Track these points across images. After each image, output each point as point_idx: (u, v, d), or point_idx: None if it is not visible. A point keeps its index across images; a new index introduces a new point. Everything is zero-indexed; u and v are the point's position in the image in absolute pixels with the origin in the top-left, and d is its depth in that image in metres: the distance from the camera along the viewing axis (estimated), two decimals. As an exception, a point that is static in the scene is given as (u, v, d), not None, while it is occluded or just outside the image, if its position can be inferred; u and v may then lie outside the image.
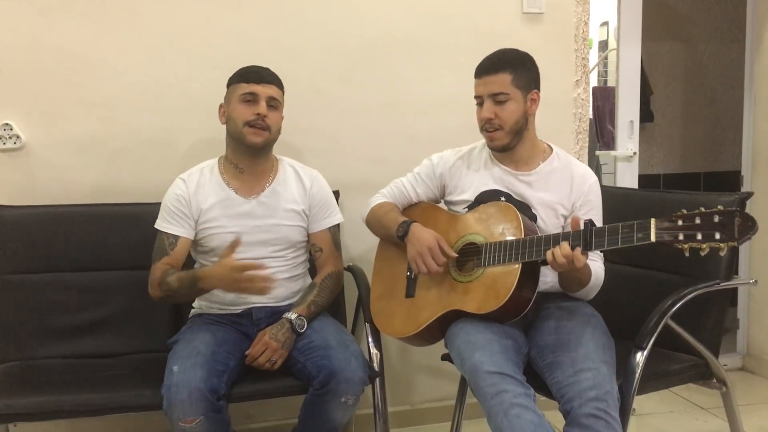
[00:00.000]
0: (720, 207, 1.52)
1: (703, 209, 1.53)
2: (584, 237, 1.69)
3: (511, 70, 1.91)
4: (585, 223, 1.71)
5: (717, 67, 4.48)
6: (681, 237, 1.54)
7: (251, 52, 2.37)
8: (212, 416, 1.80)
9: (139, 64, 2.41)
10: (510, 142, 1.96)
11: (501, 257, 1.85)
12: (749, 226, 1.48)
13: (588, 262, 1.79)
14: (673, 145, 4.56)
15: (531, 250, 1.79)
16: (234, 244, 1.94)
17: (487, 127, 1.94)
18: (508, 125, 1.93)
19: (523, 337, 1.91)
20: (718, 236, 1.50)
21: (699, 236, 1.52)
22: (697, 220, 1.53)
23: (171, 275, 2.00)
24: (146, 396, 1.87)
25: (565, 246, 1.70)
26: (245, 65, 2.13)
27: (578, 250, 1.69)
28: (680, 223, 1.55)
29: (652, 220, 1.58)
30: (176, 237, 2.08)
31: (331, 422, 1.97)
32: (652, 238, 1.57)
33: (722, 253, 1.52)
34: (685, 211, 1.55)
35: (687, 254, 1.53)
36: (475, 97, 1.98)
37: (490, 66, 1.94)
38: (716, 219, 1.51)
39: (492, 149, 2.01)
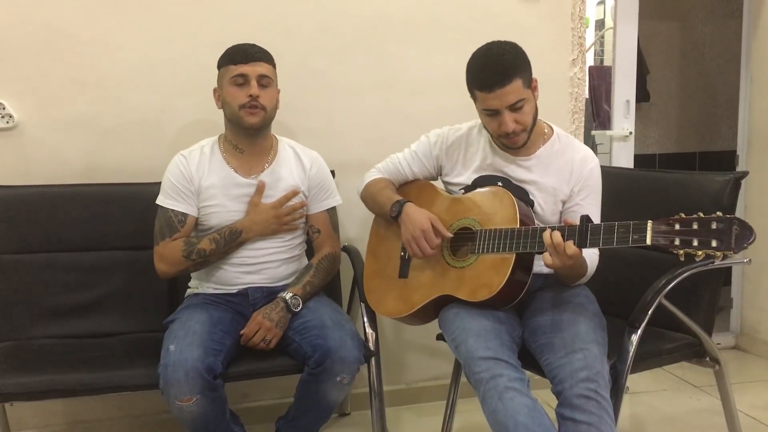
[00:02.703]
0: (719, 213, 1.50)
1: (701, 214, 1.52)
2: (579, 233, 1.67)
3: (519, 73, 1.81)
4: (581, 219, 1.69)
5: (713, 46, 4.47)
6: (677, 242, 1.52)
7: (245, 30, 2.35)
8: (209, 395, 1.81)
9: (132, 42, 2.39)
10: (528, 138, 1.91)
11: (495, 245, 1.83)
12: (747, 234, 1.46)
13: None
14: (669, 124, 4.56)
15: (526, 241, 1.77)
16: (261, 188, 2.08)
17: (511, 135, 1.87)
18: (529, 125, 1.88)
19: (517, 320, 1.92)
20: (714, 244, 1.48)
21: (695, 242, 1.50)
22: (695, 226, 1.51)
23: (198, 242, 2.04)
24: (143, 375, 1.88)
25: (557, 235, 1.67)
26: (238, 43, 2.11)
27: (570, 243, 1.66)
28: (677, 227, 1.53)
29: (649, 223, 1.57)
30: (185, 215, 2.07)
31: (327, 401, 1.99)
32: (648, 241, 1.55)
33: (718, 261, 1.51)
34: (683, 215, 1.53)
35: (682, 259, 1.52)
36: (486, 110, 1.86)
37: (499, 78, 1.79)
38: (714, 225, 1.49)
39: (511, 149, 1.95)
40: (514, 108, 1.83)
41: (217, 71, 2.13)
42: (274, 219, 2.09)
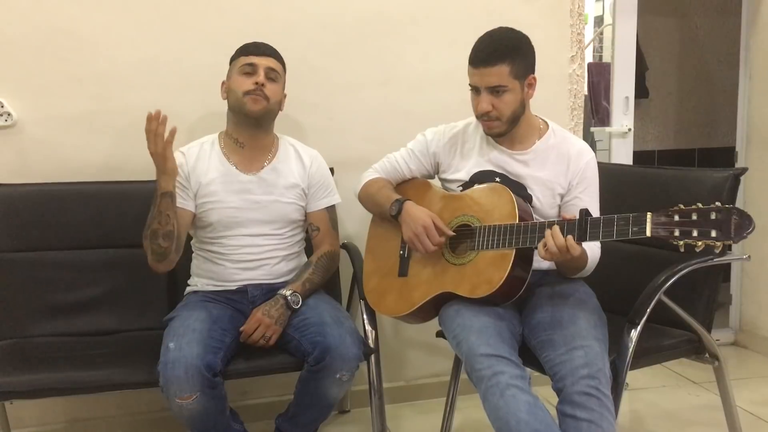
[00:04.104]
0: (717, 203, 1.51)
1: (700, 205, 1.52)
2: (579, 227, 1.68)
3: (509, 60, 1.84)
4: (580, 213, 1.69)
5: (712, 42, 4.47)
6: (677, 233, 1.53)
7: (244, 27, 2.35)
8: (208, 392, 1.81)
9: (131, 40, 2.39)
10: (507, 129, 1.93)
11: (495, 242, 1.84)
12: (746, 224, 1.47)
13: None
14: (668, 121, 4.56)
15: (525, 237, 1.78)
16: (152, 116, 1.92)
17: (485, 117, 1.91)
18: (506, 115, 1.89)
19: (517, 317, 1.92)
20: (714, 234, 1.49)
21: (695, 233, 1.51)
22: (694, 216, 1.52)
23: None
24: (142, 373, 1.88)
25: (558, 235, 1.69)
26: (238, 41, 2.13)
27: (571, 238, 1.67)
28: (676, 218, 1.53)
29: (648, 215, 1.57)
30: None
31: (326, 398, 1.99)
32: (648, 233, 1.56)
33: (717, 251, 1.51)
34: (682, 206, 1.54)
35: (682, 250, 1.53)
36: (471, 85, 1.92)
37: (487, 57, 1.84)
38: (713, 216, 1.50)
39: (489, 135, 1.97)
40: (494, 91, 1.86)
41: (217, 68, 2.14)
42: (160, 161, 1.93)
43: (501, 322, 1.81)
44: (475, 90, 1.90)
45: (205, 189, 2.09)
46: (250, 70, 2.06)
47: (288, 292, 2.04)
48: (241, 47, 2.12)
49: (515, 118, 1.92)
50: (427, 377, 2.81)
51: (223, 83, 2.15)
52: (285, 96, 2.17)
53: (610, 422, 1.64)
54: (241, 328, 1.98)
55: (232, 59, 2.13)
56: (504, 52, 1.84)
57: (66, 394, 2.02)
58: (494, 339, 1.73)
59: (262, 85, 2.05)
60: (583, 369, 1.65)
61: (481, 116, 1.92)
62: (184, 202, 2.08)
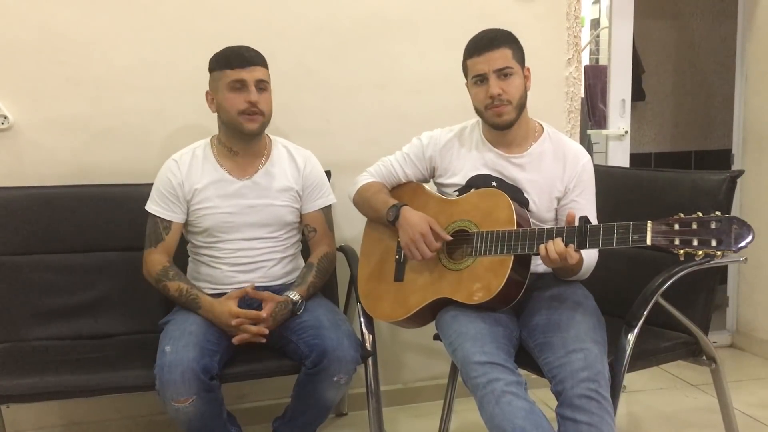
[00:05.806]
0: (717, 213, 1.51)
1: (700, 214, 1.52)
2: (579, 235, 1.68)
3: (509, 45, 1.90)
4: (580, 220, 1.69)
5: (709, 44, 4.48)
6: (677, 242, 1.53)
7: (240, 31, 2.35)
8: (205, 396, 1.81)
9: (127, 43, 2.39)
10: (515, 117, 1.92)
11: (493, 248, 1.83)
12: (745, 234, 1.47)
13: None
14: (665, 123, 4.57)
15: (524, 244, 1.77)
16: (245, 292, 1.99)
17: (496, 102, 1.89)
18: (516, 99, 1.90)
19: (514, 320, 1.91)
20: (714, 243, 1.49)
21: (695, 242, 1.51)
22: (694, 226, 1.52)
23: (171, 278, 2.02)
24: (139, 376, 1.87)
25: (558, 243, 1.69)
26: (234, 44, 2.10)
27: (572, 247, 1.68)
28: (677, 227, 1.54)
29: (649, 223, 1.57)
30: (169, 222, 2.07)
31: (324, 401, 1.98)
32: (648, 242, 1.56)
33: (718, 259, 1.52)
34: (682, 215, 1.54)
35: (682, 258, 1.53)
36: (475, 76, 1.92)
37: (489, 42, 1.90)
38: (713, 225, 1.50)
39: (498, 126, 1.94)
40: (502, 74, 1.89)
41: (211, 73, 2.13)
42: (225, 324, 1.95)
43: (497, 327, 1.81)
44: (480, 80, 1.91)
45: (199, 195, 2.08)
46: (240, 86, 2.00)
47: (296, 297, 2.03)
48: (223, 58, 2.03)
49: (521, 106, 1.93)
50: (425, 380, 2.81)
51: (208, 93, 2.09)
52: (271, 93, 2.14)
53: (609, 425, 1.63)
54: (264, 312, 1.95)
55: (213, 68, 2.05)
56: (504, 38, 1.91)
57: (62, 397, 2.01)
58: (489, 346, 1.73)
59: (256, 101, 2.01)
60: (582, 372, 1.65)
61: (492, 101, 1.90)
62: (173, 214, 2.08)
